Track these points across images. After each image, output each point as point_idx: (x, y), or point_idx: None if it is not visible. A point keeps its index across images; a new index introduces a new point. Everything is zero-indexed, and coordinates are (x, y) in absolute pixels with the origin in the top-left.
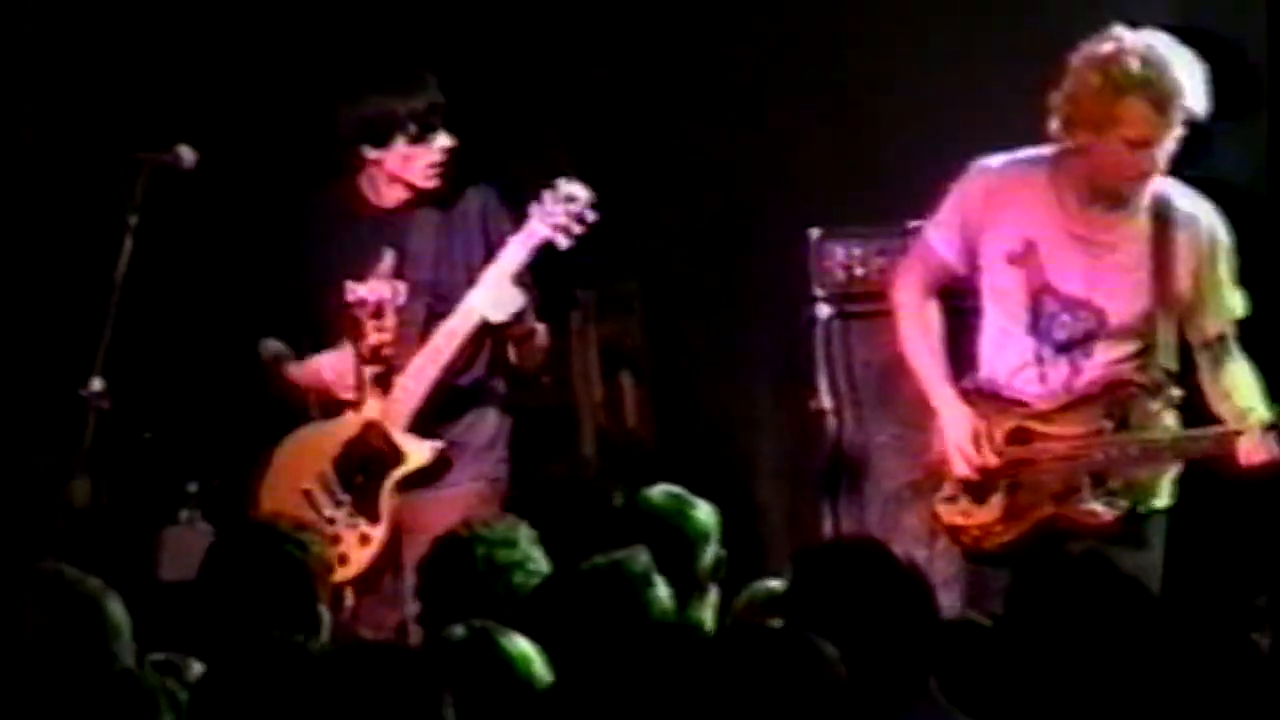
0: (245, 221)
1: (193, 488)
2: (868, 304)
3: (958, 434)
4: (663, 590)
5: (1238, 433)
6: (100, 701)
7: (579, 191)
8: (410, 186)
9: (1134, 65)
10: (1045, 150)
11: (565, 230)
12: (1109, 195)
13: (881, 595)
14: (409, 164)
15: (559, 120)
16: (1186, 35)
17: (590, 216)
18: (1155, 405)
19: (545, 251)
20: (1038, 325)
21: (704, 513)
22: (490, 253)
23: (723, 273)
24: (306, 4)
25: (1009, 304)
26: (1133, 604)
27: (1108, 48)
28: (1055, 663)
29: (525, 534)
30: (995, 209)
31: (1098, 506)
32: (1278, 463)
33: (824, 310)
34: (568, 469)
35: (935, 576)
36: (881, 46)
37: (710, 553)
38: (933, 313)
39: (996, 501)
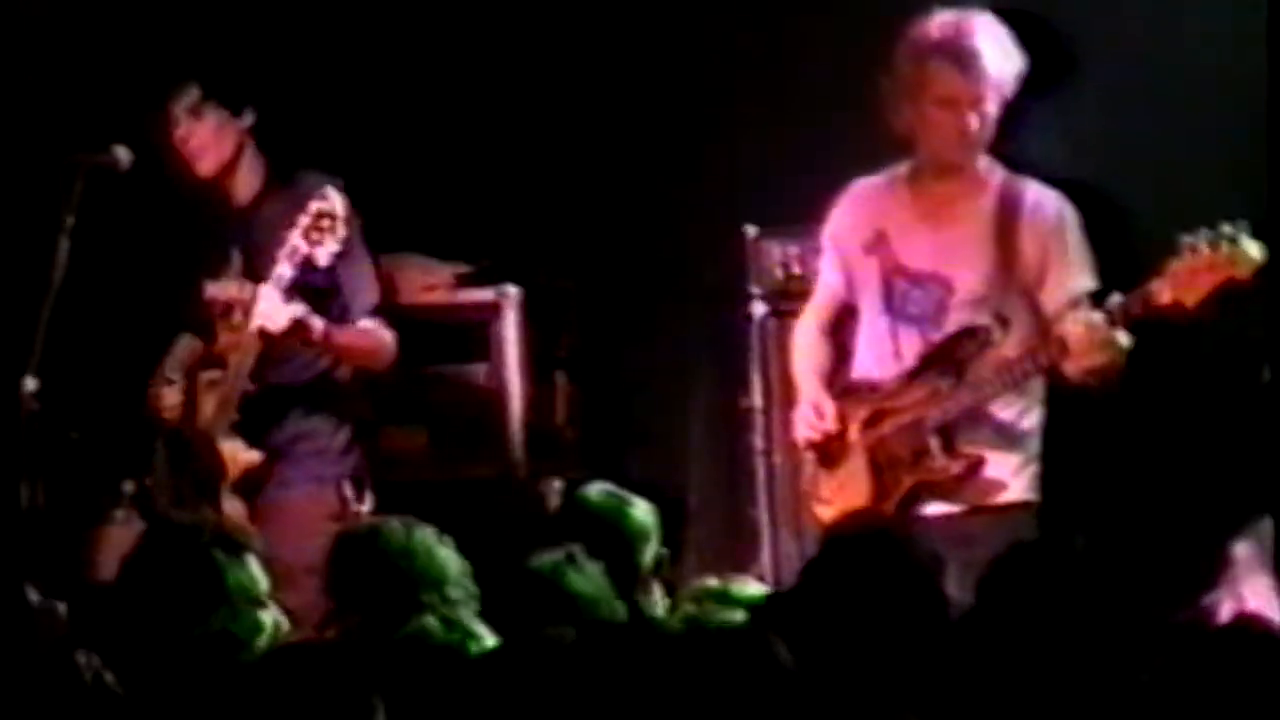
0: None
1: (128, 488)
2: (803, 302)
3: (802, 406)
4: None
5: (1058, 337)
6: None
7: (333, 207)
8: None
9: (934, 31)
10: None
11: (320, 245)
12: (944, 169)
13: (899, 587)
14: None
15: (493, 121)
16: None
17: (343, 232)
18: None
19: (478, 243)
20: (891, 305)
21: (642, 511)
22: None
23: (656, 270)
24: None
25: (868, 293)
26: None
27: (917, 24)
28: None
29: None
30: (851, 213)
31: (946, 460)
32: (1111, 344)
33: (759, 309)
34: (496, 469)
35: None
36: (819, 43)
37: (650, 550)
38: (824, 342)
39: (863, 489)
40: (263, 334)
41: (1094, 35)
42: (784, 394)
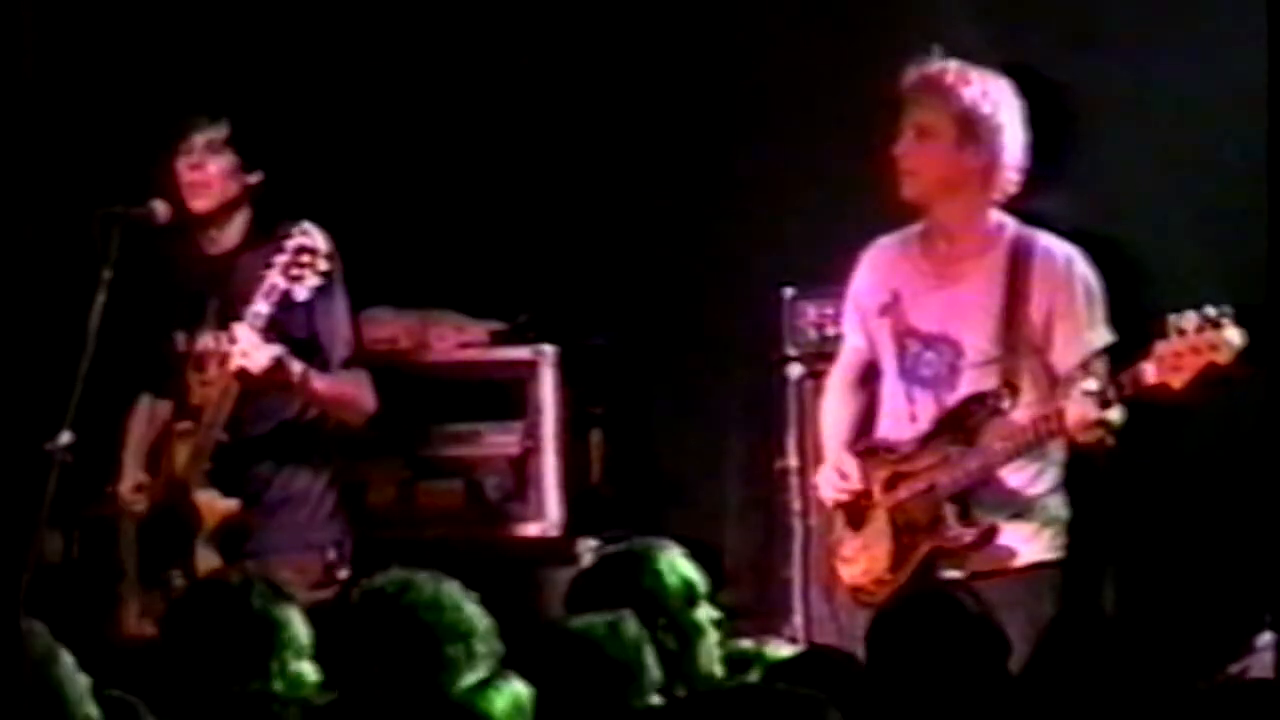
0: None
1: None
2: None
3: (825, 468)
4: (651, 656)
5: (1057, 410)
6: None
7: (315, 243)
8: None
9: (918, 70)
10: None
11: (300, 280)
12: (954, 226)
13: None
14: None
15: (533, 177)
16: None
17: (324, 266)
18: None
19: (514, 300)
20: (904, 367)
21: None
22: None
23: (693, 330)
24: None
25: (886, 355)
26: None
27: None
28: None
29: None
30: (869, 274)
31: (960, 529)
32: (1102, 423)
33: (795, 370)
34: (532, 528)
35: None
36: (856, 106)
37: (702, 610)
38: (850, 401)
39: (883, 551)
40: (241, 374)
41: (1095, 89)
42: (819, 455)
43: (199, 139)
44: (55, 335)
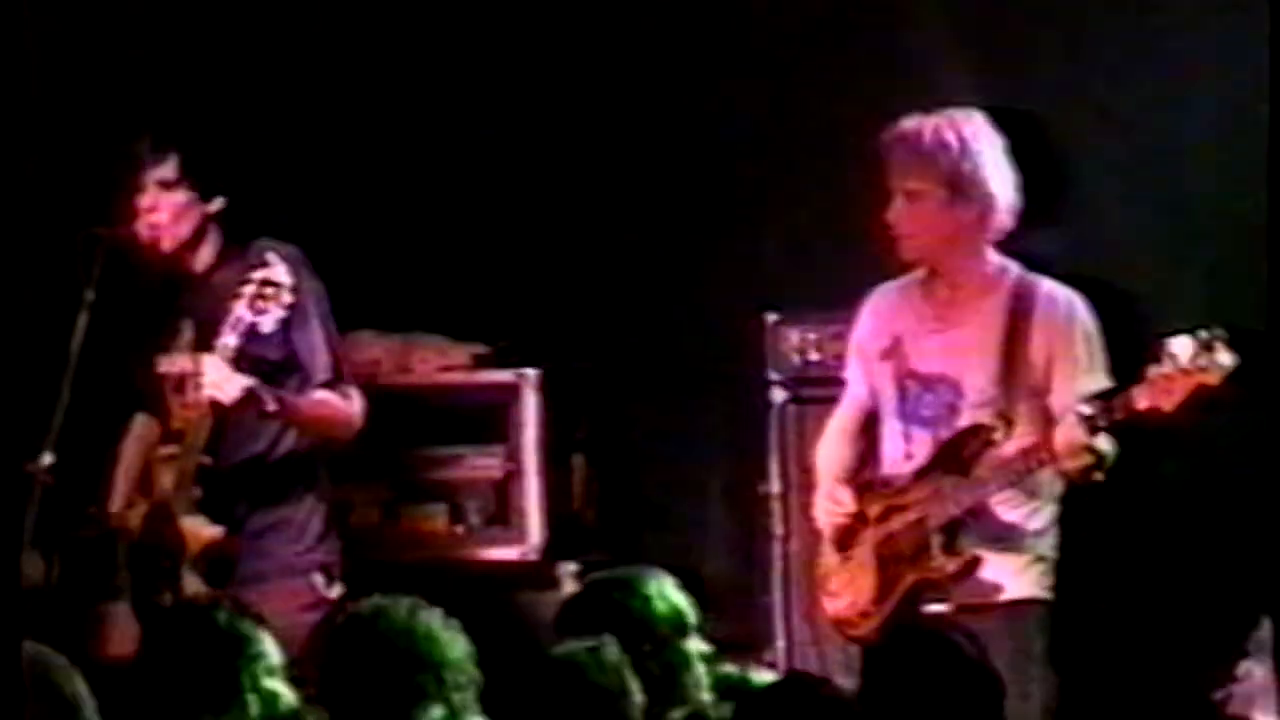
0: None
1: None
2: (823, 389)
3: (820, 494)
4: (633, 682)
5: (1046, 437)
6: None
7: (279, 276)
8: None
9: (898, 128)
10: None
11: (265, 313)
12: (954, 271)
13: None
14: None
15: (514, 199)
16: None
17: (288, 299)
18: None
19: (496, 324)
20: (904, 408)
21: (674, 597)
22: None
23: (675, 354)
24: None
25: (885, 398)
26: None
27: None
28: None
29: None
30: (871, 321)
31: (944, 559)
32: (1090, 449)
33: (779, 395)
34: (514, 552)
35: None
36: (842, 130)
37: (691, 641)
38: (848, 446)
39: (868, 584)
40: (214, 406)
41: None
42: (802, 480)
43: (149, 177)
44: (36, 356)
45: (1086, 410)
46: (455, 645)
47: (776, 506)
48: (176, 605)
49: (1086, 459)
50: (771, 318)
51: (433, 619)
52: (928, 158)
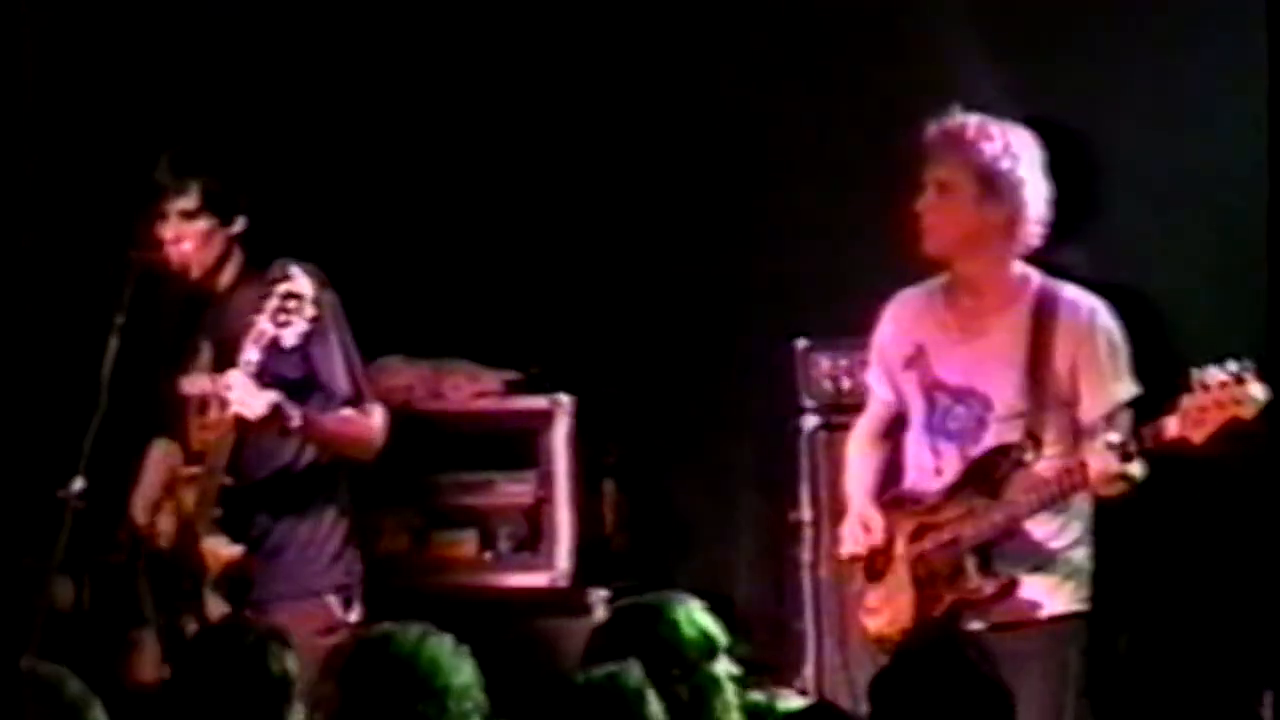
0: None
1: None
2: (854, 415)
3: (850, 521)
4: (655, 706)
5: (1080, 462)
6: None
7: (301, 288)
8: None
9: (938, 126)
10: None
11: (288, 325)
12: (978, 279)
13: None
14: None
15: (546, 225)
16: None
17: (310, 311)
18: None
19: (527, 350)
20: (932, 420)
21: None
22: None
23: (707, 381)
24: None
25: (913, 408)
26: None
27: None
28: None
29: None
30: (893, 326)
31: (980, 581)
32: (1124, 476)
33: (810, 421)
34: (544, 578)
35: None
36: (872, 156)
37: (720, 665)
38: (875, 453)
39: (907, 602)
40: (239, 422)
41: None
42: (833, 507)
43: (172, 208)
44: (67, 381)
45: (1116, 439)
46: (461, 672)
47: (807, 533)
48: (221, 637)
49: (1120, 486)
50: (802, 344)
51: (441, 645)
52: (967, 149)
